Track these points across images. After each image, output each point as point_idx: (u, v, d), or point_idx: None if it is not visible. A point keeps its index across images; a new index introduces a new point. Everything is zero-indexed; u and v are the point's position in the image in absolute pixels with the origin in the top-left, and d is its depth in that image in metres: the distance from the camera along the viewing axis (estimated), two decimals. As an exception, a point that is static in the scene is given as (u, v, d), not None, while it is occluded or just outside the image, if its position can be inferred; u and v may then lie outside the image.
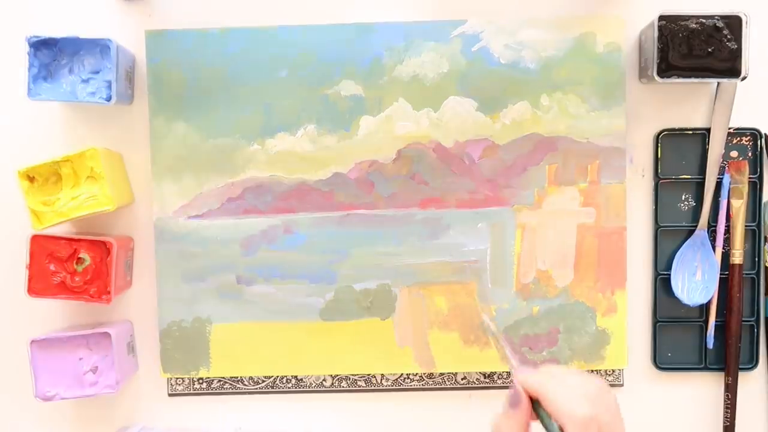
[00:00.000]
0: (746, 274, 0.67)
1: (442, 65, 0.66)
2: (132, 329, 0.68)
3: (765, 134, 0.66)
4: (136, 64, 0.66)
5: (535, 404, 0.51)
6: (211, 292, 0.67)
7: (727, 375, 0.67)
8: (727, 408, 0.66)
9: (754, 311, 0.67)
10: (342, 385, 0.68)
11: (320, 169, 0.67)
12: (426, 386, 0.68)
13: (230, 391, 0.69)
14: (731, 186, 0.66)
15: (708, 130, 0.66)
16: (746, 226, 0.66)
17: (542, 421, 0.50)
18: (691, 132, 0.67)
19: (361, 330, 0.67)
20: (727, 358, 0.66)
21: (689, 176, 0.67)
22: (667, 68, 0.62)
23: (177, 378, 0.68)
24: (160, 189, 0.67)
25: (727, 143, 0.66)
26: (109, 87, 0.63)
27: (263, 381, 0.68)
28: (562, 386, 0.50)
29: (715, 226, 0.66)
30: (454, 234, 0.67)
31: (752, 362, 0.67)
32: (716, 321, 0.67)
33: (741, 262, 0.66)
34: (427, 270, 0.67)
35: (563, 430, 0.48)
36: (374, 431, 0.69)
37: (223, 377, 0.68)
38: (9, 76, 0.66)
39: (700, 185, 0.66)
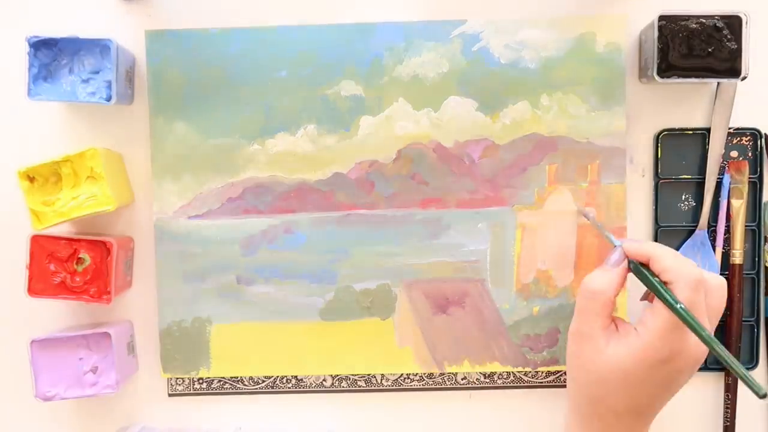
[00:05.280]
0: (746, 274, 0.67)
1: (442, 65, 0.66)
2: (132, 329, 0.68)
3: (765, 134, 0.66)
4: (136, 64, 0.66)
5: (637, 267, 0.54)
6: (211, 292, 0.67)
7: (727, 375, 0.67)
8: (727, 408, 0.66)
9: (754, 311, 0.67)
10: (342, 385, 0.69)
11: (320, 169, 0.67)
12: (426, 386, 0.68)
13: (230, 391, 0.69)
14: (731, 186, 0.66)
15: (708, 130, 0.66)
16: (746, 226, 0.66)
17: (650, 286, 0.53)
18: (691, 132, 0.67)
19: (361, 330, 0.67)
20: (727, 358, 0.66)
21: (689, 176, 0.67)
22: (667, 68, 0.62)
23: (177, 378, 0.68)
24: (160, 189, 0.67)
25: (727, 143, 0.66)
26: (109, 87, 0.63)
27: (263, 381, 0.68)
28: (672, 252, 0.54)
29: (715, 226, 0.66)
30: (454, 234, 0.67)
31: (752, 362, 0.67)
32: (716, 321, 0.67)
33: (741, 262, 0.66)
34: (427, 270, 0.67)
35: (672, 290, 0.51)
36: (374, 431, 0.69)
37: (223, 377, 0.68)
38: (9, 76, 0.66)
39: (700, 185, 0.66)
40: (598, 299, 0.54)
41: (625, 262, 0.56)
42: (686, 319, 0.50)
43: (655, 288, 0.52)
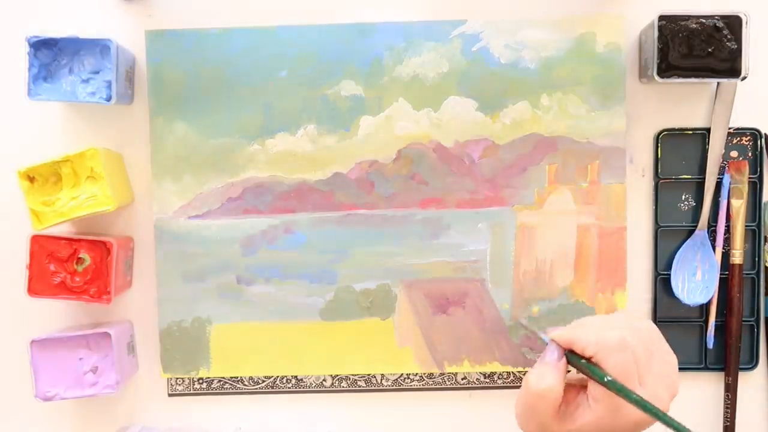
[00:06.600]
0: (746, 274, 0.67)
1: (442, 65, 0.66)
2: (132, 329, 0.68)
3: (765, 134, 0.66)
4: (136, 64, 0.66)
5: (569, 357, 0.52)
6: (211, 292, 0.67)
7: (727, 375, 0.67)
8: (727, 408, 0.66)
9: (754, 311, 0.67)
10: (342, 385, 0.69)
11: (320, 169, 0.67)
12: (426, 386, 0.68)
13: (230, 391, 0.69)
14: (731, 186, 0.66)
15: (708, 130, 0.66)
16: (746, 226, 0.66)
17: (580, 369, 0.52)
18: (691, 132, 0.67)
19: (361, 330, 0.67)
20: (727, 358, 0.66)
21: (689, 176, 0.67)
22: (667, 68, 0.62)
23: (177, 378, 0.68)
24: (160, 189, 0.67)
25: (727, 143, 0.66)
26: (109, 87, 0.63)
27: (263, 381, 0.68)
28: (588, 327, 0.52)
29: (715, 226, 0.66)
30: (454, 234, 0.67)
31: (752, 362, 0.67)
32: (716, 321, 0.67)
33: (741, 262, 0.66)
34: (427, 270, 0.67)
35: (601, 367, 0.50)
36: (374, 431, 0.69)
37: (223, 377, 0.68)
38: (9, 76, 0.66)
39: (700, 185, 0.66)
40: (546, 398, 0.52)
41: (562, 353, 0.53)
42: (615, 389, 0.49)
43: (583, 368, 0.51)
